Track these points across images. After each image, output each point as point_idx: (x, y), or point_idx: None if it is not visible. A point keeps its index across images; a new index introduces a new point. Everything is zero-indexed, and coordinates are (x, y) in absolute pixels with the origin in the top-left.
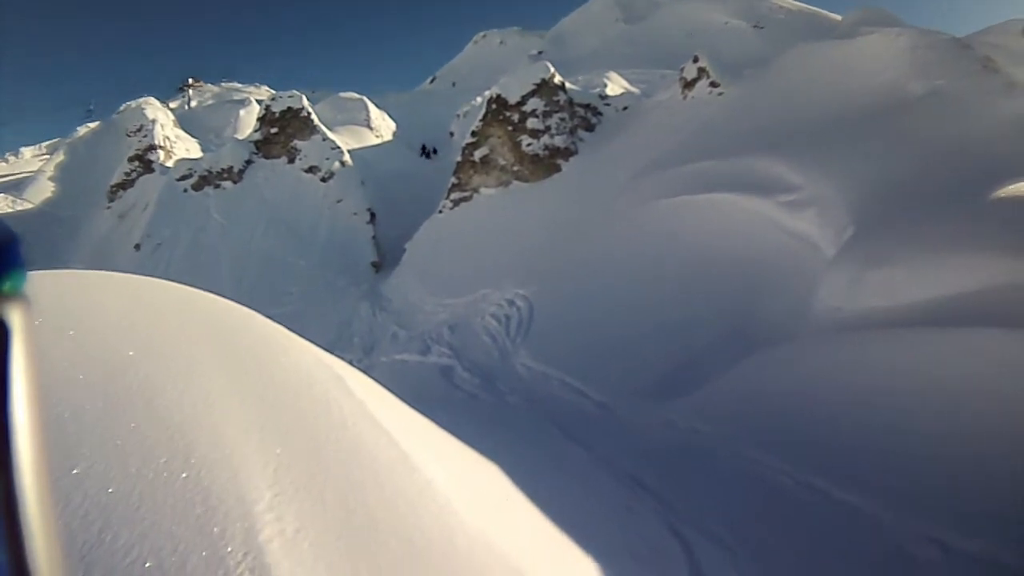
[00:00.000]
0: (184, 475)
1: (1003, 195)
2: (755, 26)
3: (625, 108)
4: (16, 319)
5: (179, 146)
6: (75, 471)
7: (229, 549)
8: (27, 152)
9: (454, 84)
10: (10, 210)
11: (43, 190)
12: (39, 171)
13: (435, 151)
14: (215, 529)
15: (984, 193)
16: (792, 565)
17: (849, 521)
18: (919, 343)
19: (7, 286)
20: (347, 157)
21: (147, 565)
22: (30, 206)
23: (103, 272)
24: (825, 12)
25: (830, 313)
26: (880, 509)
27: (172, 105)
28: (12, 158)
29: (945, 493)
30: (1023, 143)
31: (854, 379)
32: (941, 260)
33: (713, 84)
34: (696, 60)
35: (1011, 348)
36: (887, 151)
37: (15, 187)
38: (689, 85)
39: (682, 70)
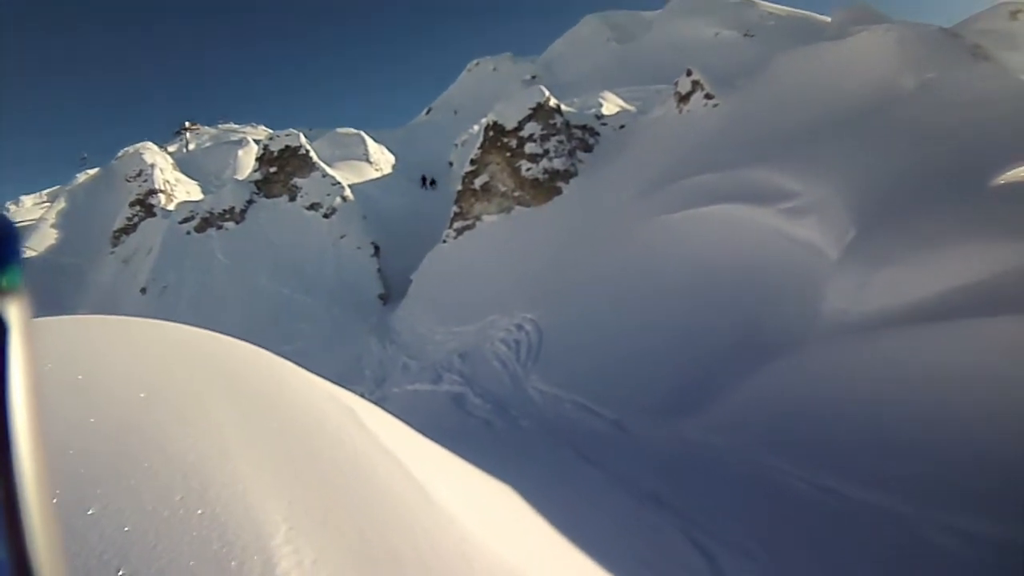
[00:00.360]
0: (200, 511)
1: (1002, 181)
2: (746, 35)
3: (622, 127)
4: (14, 314)
5: (179, 189)
6: (90, 512)
7: None
8: (28, 200)
9: (456, 112)
10: None
11: (46, 238)
12: (41, 219)
13: (433, 182)
14: (232, 563)
15: (983, 181)
16: (818, 568)
17: (869, 518)
18: (928, 338)
19: (4, 281)
20: (348, 192)
21: None
22: (33, 254)
23: (109, 316)
24: (815, 15)
25: (837, 316)
26: (898, 504)
27: (170, 149)
28: (13, 207)
29: (964, 484)
30: (1018, 127)
31: (865, 380)
32: (945, 252)
33: (708, 96)
34: (689, 73)
35: (1014, 333)
36: (883, 148)
37: None
38: (684, 99)
39: (676, 84)
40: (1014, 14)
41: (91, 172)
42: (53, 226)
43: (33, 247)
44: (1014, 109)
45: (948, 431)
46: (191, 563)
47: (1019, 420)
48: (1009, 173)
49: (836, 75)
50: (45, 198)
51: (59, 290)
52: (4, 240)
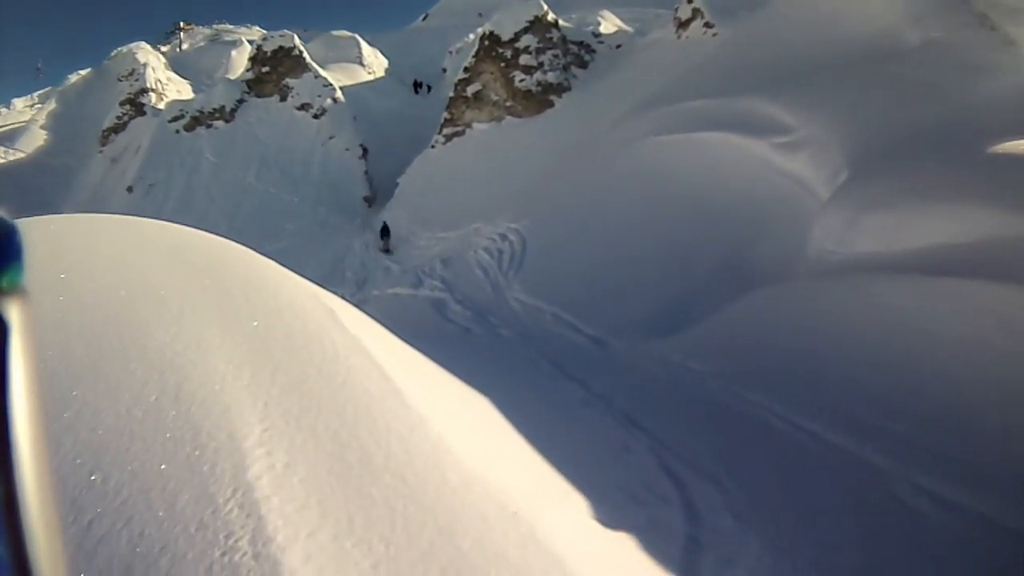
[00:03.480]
0: (174, 413)
1: (1000, 151)
2: None
3: (619, 46)
4: (15, 314)
5: (171, 88)
6: (66, 415)
7: (219, 486)
8: (19, 103)
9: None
10: (3, 160)
11: (36, 139)
12: (31, 120)
13: (429, 88)
14: (205, 467)
15: (980, 147)
16: (784, 505)
17: (842, 464)
18: (912, 290)
19: (5, 280)
20: (339, 94)
21: (136, 506)
22: (23, 155)
23: (93, 215)
24: None
25: (824, 256)
26: (873, 456)
27: (164, 49)
28: (4, 110)
29: (938, 444)
30: (1018, 101)
31: (847, 322)
32: (936, 208)
33: (707, 24)
34: (690, 0)
35: (1001, 300)
36: (882, 98)
37: (8, 138)
38: (683, 25)
39: (676, 10)
40: None
41: (83, 72)
42: (43, 127)
43: (22, 148)
44: (1017, 81)
45: (930, 391)
46: (163, 467)
47: (1004, 391)
48: (1007, 144)
49: (840, 19)
50: (36, 100)
51: (48, 190)
52: (4, 240)
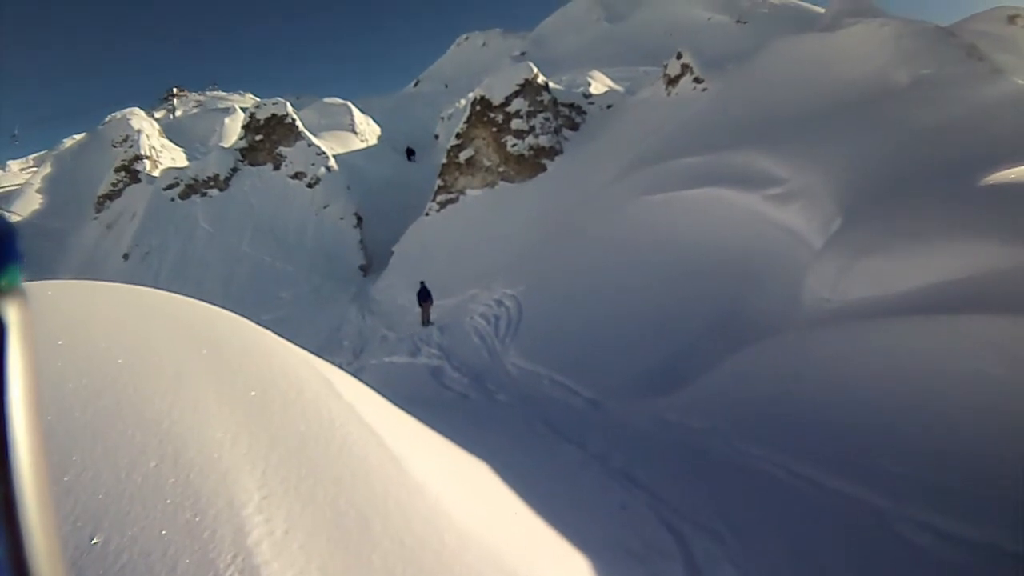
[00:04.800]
0: (173, 479)
1: (992, 181)
2: (738, 21)
3: (609, 106)
4: (13, 315)
5: (165, 155)
6: (65, 478)
7: (219, 551)
8: (14, 165)
9: (447, 86)
10: None
11: (31, 202)
12: (26, 183)
13: (413, 152)
14: (205, 533)
15: (972, 179)
16: (787, 554)
17: (842, 508)
18: (910, 331)
19: (3, 281)
20: (332, 162)
21: (137, 569)
22: (18, 218)
23: (91, 282)
24: (809, 5)
25: (819, 304)
26: (874, 497)
27: (157, 115)
28: (0, 172)
29: (940, 480)
30: (1010, 128)
31: (843, 368)
32: (930, 248)
33: (697, 80)
34: (679, 56)
35: (1003, 333)
36: (873, 141)
37: (3, 200)
38: (673, 81)
39: (665, 67)
40: (1012, 18)
41: (78, 137)
42: (39, 191)
43: (18, 211)
44: (1007, 110)
45: (930, 429)
46: (163, 532)
47: (1004, 423)
48: (999, 173)
49: (828, 65)
50: (32, 163)
51: (42, 254)
52: (4, 240)
